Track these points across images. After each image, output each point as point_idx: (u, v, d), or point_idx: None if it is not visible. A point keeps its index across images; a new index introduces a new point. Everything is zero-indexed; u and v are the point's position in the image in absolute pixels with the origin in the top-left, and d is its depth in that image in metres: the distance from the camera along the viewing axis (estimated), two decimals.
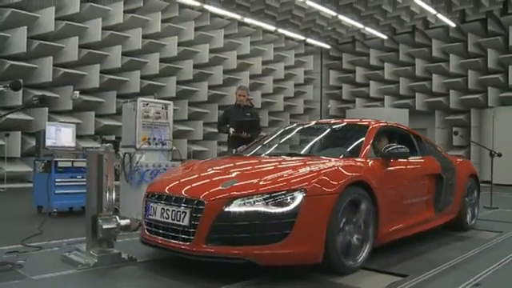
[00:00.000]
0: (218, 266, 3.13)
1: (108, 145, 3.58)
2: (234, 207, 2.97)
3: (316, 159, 3.75)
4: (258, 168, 3.72)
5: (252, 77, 14.17)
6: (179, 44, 12.17)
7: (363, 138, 4.09)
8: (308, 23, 14.20)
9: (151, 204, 3.40)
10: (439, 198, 4.63)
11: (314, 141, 4.62)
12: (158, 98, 6.24)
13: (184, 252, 3.07)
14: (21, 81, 3.66)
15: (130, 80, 11.29)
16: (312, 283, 3.08)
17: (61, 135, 6.24)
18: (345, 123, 4.86)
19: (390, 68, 15.32)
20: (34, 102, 3.75)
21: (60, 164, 5.87)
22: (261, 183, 3.13)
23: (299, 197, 3.00)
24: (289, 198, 2.99)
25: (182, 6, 12.25)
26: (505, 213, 6.88)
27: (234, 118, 6.40)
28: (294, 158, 3.93)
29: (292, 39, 15.46)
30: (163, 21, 11.84)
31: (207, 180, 3.43)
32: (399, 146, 3.91)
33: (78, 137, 7.90)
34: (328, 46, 16.63)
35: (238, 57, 13.77)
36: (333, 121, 4.99)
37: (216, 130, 11.49)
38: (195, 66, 12.65)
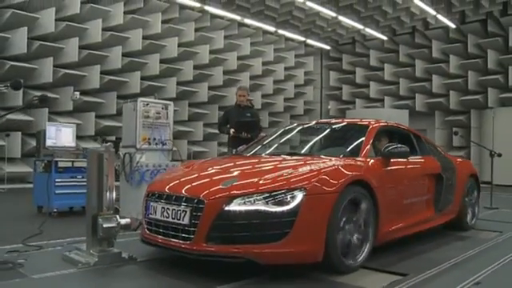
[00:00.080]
0: (218, 264, 3.14)
1: (108, 144, 3.58)
2: (234, 206, 2.97)
3: (316, 158, 3.75)
4: (258, 167, 3.73)
5: (252, 78, 14.18)
6: (179, 45, 12.19)
7: (363, 138, 4.09)
8: (308, 24, 14.22)
9: (151, 203, 3.40)
10: (439, 198, 4.63)
11: (314, 140, 4.62)
12: (159, 99, 6.25)
13: (184, 251, 3.07)
14: (21, 80, 3.65)
15: (131, 81, 11.30)
16: (312, 282, 3.08)
17: (61, 135, 6.25)
18: (345, 123, 4.87)
19: (390, 69, 15.34)
20: (35, 102, 3.75)
21: (60, 164, 5.88)
22: (261, 182, 3.13)
23: (299, 196, 3.00)
24: (289, 196, 2.99)
25: (183, 7, 12.28)
26: (505, 213, 6.88)
27: (234, 118, 6.40)
28: (294, 158, 3.93)
29: (292, 40, 15.48)
30: (163, 22, 11.86)
31: (207, 179, 3.44)
32: (399, 146, 3.91)
33: (78, 137, 7.91)
34: (328, 47, 16.65)
35: (238, 58, 13.78)
36: (333, 120, 4.99)
37: (216, 131, 11.52)
38: (195, 67, 12.66)
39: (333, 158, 3.68)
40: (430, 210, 4.55)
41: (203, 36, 12.76)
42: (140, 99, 5.53)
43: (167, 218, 3.19)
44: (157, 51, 11.78)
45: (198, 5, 11.95)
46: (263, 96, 14.61)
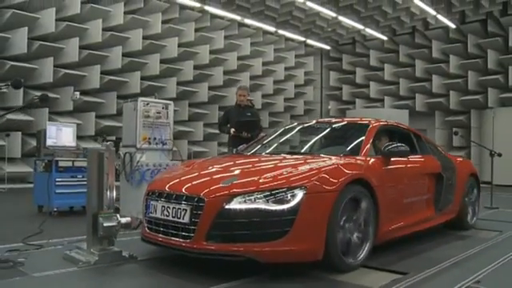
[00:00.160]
0: (218, 263, 3.14)
1: (109, 143, 3.59)
2: (235, 204, 2.98)
3: (316, 157, 3.76)
4: (259, 166, 3.74)
5: (252, 78, 14.19)
6: (179, 45, 12.20)
7: (363, 137, 4.09)
8: (308, 24, 14.23)
9: (152, 202, 3.41)
10: (439, 197, 4.63)
11: (315, 140, 4.62)
12: (159, 99, 6.25)
13: (184, 249, 3.08)
14: (22, 79, 3.66)
15: (131, 81, 11.31)
16: (312, 281, 3.08)
17: (61, 135, 6.26)
18: (345, 122, 4.86)
19: (390, 69, 15.35)
20: (35, 101, 3.76)
21: (61, 163, 5.89)
22: (261, 181, 3.14)
23: (299, 194, 3.00)
24: (289, 195, 3.00)
25: (183, 7, 12.29)
26: (505, 213, 6.88)
27: (235, 117, 6.40)
28: (294, 157, 3.93)
29: (292, 40, 15.49)
30: (163, 22, 11.87)
31: (207, 178, 3.44)
32: (399, 145, 3.92)
33: (79, 137, 7.92)
34: (328, 47, 16.66)
35: (239, 58, 13.79)
36: (333, 120, 4.99)
37: (216, 131, 11.55)
38: (195, 67, 12.67)
39: (333, 157, 3.68)
40: (430, 209, 4.55)
41: (203, 36, 12.77)
42: (140, 99, 5.54)
43: (167, 216, 3.20)
44: (157, 51, 11.79)
45: (198, 5, 11.97)
46: (263, 96, 14.62)
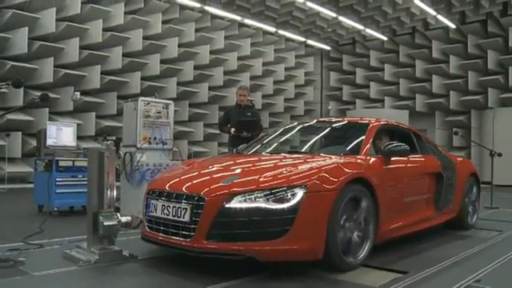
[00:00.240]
0: (218, 262, 3.14)
1: (109, 142, 3.59)
2: (235, 203, 2.98)
3: (316, 157, 3.76)
4: (259, 165, 3.74)
5: (252, 78, 14.20)
6: (180, 45, 12.21)
7: (363, 136, 4.09)
8: (308, 24, 14.24)
9: (152, 201, 3.41)
10: (439, 197, 4.63)
11: (315, 139, 4.62)
12: (159, 99, 6.25)
13: (185, 248, 3.08)
14: (22, 79, 3.66)
15: (131, 81, 11.32)
16: (312, 280, 3.08)
17: (62, 135, 6.26)
18: (345, 122, 4.86)
19: (390, 69, 15.36)
20: (36, 101, 3.76)
21: (61, 163, 5.88)
22: (261, 180, 3.14)
23: (300, 193, 3.00)
24: (289, 194, 3.00)
25: (183, 8, 12.30)
26: (505, 212, 6.88)
27: (235, 117, 6.41)
28: (294, 156, 3.94)
29: (292, 40, 15.50)
30: (164, 22, 11.88)
31: (208, 177, 3.44)
32: (399, 144, 3.91)
33: (79, 138, 7.92)
34: (328, 48, 16.67)
35: (239, 58, 13.80)
36: (333, 119, 4.99)
37: (216, 131, 11.56)
38: (196, 67, 12.68)
39: (333, 156, 3.68)
40: (431, 208, 4.55)
41: (203, 36, 12.78)
42: (141, 98, 5.55)
43: (168, 215, 3.20)
44: (157, 51, 11.81)
45: (198, 5, 11.98)
46: (263, 96, 14.63)
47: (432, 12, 12.50)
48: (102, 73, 10.64)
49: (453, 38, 13.92)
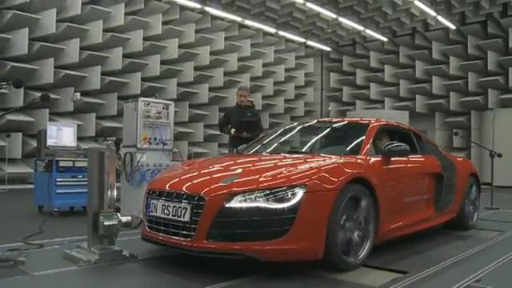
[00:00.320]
0: (218, 262, 3.15)
1: (109, 142, 3.59)
2: (235, 203, 2.98)
3: (316, 157, 3.76)
4: (259, 165, 3.74)
5: (252, 79, 14.21)
6: (180, 46, 12.23)
7: (364, 137, 4.09)
8: (308, 25, 14.26)
9: (152, 201, 3.41)
10: (439, 197, 4.63)
11: (315, 139, 4.62)
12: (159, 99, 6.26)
13: (185, 248, 3.08)
14: (23, 78, 3.66)
15: (131, 82, 11.33)
16: (312, 279, 3.08)
17: (62, 135, 6.26)
18: (345, 122, 4.86)
19: (390, 70, 15.36)
20: (36, 101, 3.77)
21: (61, 163, 5.88)
22: (261, 179, 3.14)
23: (300, 193, 3.00)
24: (289, 194, 3.00)
25: (183, 9, 12.32)
26: (505, 213, 6.88)
27: (235, 118, 6.41)
28: (294, 156, 3.94)
29: (292, 41, 15.52)
30: (164, 23, 11.90)
31: (208, 177, 3.44)
32: (399, 144, 3.91)
33: (79, 138, 7.92)
34: (328, 49, 16.69)
35: (239, 59, 13.82)
36: (333, 119, 5.00)
37: (216, 132, 11.57)
38: (196, 68, 12.70)
39: (333, 156, 3.68)
40: (431, 209, 4.55)
41: (204, 37, 12.79)
42: (141, 99, 5.55)
43: (168, 215, 3.20)
44: (157, 52, 11.82)
45: (198, 6, 12.00)
46: (263, 97, 14.64)
47: (432, 13, 12.51)
48: (102, 73, 10.65)
49: (453, 39, 13.93)
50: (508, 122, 12.54)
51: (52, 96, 9.65)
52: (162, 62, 11.90)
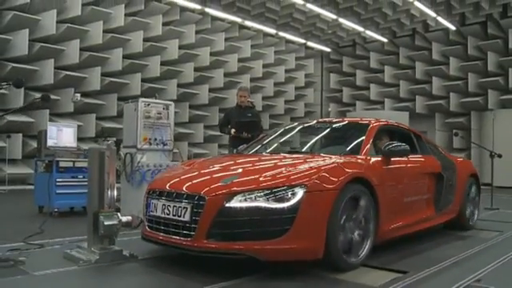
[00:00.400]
0: (218, 261, 3.15)
1: (110, 142, 3.60)
2: (235, 203, 2.98)
3: (316, 157, 3.77)
4: (259, 165, 3.74)
5: (253, 80, 14.21)
6: (180, 47, 12.23)
7: (364, 137, 4.09)
8: (308, 26, 14.26)
9: (152, 200, 3.41)
10: (439, 197, 4.64)
11: (315, 139, 4.63)
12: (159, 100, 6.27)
13: (185, 248, 3.08)
14: (23, 79, 3.67)
15: (131, 83, 11.33)
16: (313, 279, 3.09)
17: (62, 135, 6.26)
18: (345, 122, 4.87)
19: (391, 71, 15.36)
20: (37, 101, 3.77)
21: (61, 164, 5.88)
22: (261, 179, 3.14)
23: (300, 192, 3.01)
24: (289, 193, 3.00)
25: (183, 9, 12.32)
26: (505, 213, 6.88)
27: (235, 118, 6.42)
28: (294, 156, 3.94)
29: (292, 42, 15.52)
30: (164, 24, 11.90)
31: (208, 176, 3.45)
32: (399, 144, 3.92)
33: (79, 139, 7.92)
34: (328, 50, 16.69)
35: (239, 60, 13.82)
36: (333, 120, 5.00)
37: (217, 133, 11.57)
38: (196, 69, 12.71)
39: (333, 156, 3.68)
40: (431, 209, 4.56)
41: (204, 38, 12.79)
42: (141, 99, 5.55)
43: (168, 215, 3.20)
44: (157, 53, 11.83)
45: (198, 7, 12.01)
46: (264, 98, 14.64)
47: (432, 14, 12.52)
48: (102, 74, 10.65)
49: (453, 40, 13.94)
50: (508, 123, 12.54)
51: (52, 97, 9.64)
52: (162, 63, 11.90)
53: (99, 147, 4.04)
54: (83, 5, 10.25)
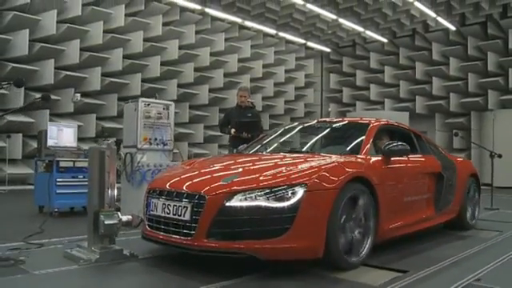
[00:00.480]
0: (219, 260, 3.15)
1: (110, 141, 3.60)
2: (235, 202, 2.98)
3: (316, 156, 3.77)
4: (259, 164, 3.75)
5: (253, 80, 14.21)
6: (180, 47, 12.24)
7: (364, 136, 4.09)
8: (308, 27, 14.27)
9: (152, 200, 3.42)
10: (439, 197, 4.64)
11: (315, 139, 4.64)
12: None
13: (185, 247, 3.08)
14: (23, 78, 3.67)
15: (131, 83, 11.34)
16: (313, 278, 3.09)
17: (62, 135, 6.26)
18: (345, 122, 4.87)
19: (391, 71, 15.37)
20: (37, 100, 3.78)
21: (61, 164, 5.88)
22: (261, 178, 3.15)
23: (300, 192, 3.01)
24: (289, 192, 3.00)
25: (183, 10, 12.33)
26: (505, 214, 6.88)
27: (235, 118, 6.43)
28: (294, 155, 3.94)
29: (292, 43, 15.53)
30: (164, 24, 11.91)
31: (208, 176, 3.45)
32: (399, 143, 3.92)
33: (79, 139, 7.93)
34: (328, 50, 16.70)
35: (239, 60, 13.83)
36: (334, 119, 5.00)
37: (217, 133, 11.59)
38: (196, 69, 12.71)
39: (333, 156, 3.69)
40: (431, 208, 4.56)
41: (204, 38, 12.80)
42: (141, 99, 5.55)
43: (168, 214, 3.20)
44: (157, 53, 11.84)
45: (198, 7, 12.02)
46: (264, 98, 14.64)
47: (432, 14, 12.53)
48: (102, 74, 10.66)
49: (453, 40, 13.95)
50: (508, 123, 12.55)
51: (52, 97, 9.64)
52: (163, 63, 11.91)
53: (99, 147, 4.04)
54: (83, 5, 10.26)
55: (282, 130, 5.04)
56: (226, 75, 13.47)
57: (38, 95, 9.01)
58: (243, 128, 6.29)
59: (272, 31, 14.10)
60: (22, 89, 9.03)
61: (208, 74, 13.06)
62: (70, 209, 6.22)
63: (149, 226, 3.43)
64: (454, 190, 4.90)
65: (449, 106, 13.97)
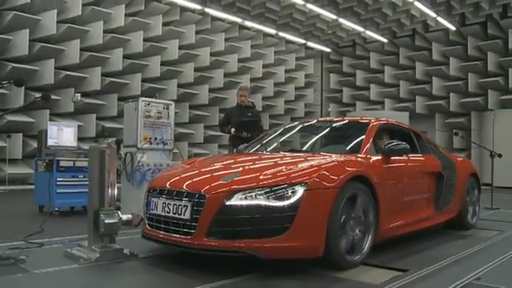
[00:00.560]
0: (219, 259, 3.15)
1: (110, 141, 3.60)
2: (236, 201, 2.98)
3: (317, 155, 3.77)
4: (259, 163, 3.75)
5: (253, 80, 14.21)
6: (180, 47, 12.24)
7: (364, 136, 4.10)
8: (308, 27, 14.27)
9: (153, 199, 3.42)
10: (439, 197, 4.64)
11: (315, 138, 4.64)
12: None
13: (185, 246, 3.08)
14: (24, 78, 3.68)
15: (131, 83, 11.34)
16: (313, 278, 3.09)
17: (63, 135, 6.27)
18: (346, 121, 4.88)
19: (391, 71, 15.37)
20: (37, 100, 3.78)
21: (62, 163, 5.88)
22: (261, 177, 3.15)
23: (300, 190, 3.01)
24: (290, 191, 3.00)
25: (183, 10, 12.33)
26: (505, 213, 6.88)
27: (235, 118, 6.42)
28: (294, 154, 3.95)
29: (292, 43, 15.53)
30: (164, 24, 11.91)
31: (208, 175, 3.45)
32: (399, 143, 3.92)
33: (79, 139, 7.94)
34: (328, 50, 16.70)
35: (239, 60, 13.83)
36: (334, 119, 5.01)
37: (217, 133, 11.59)
38: (196, 69, 12.72)
39: (333, 155, 3.69)
40: (431, 208, 4.56)
41: (204, 38, 12.80)
42: (141, 99, 5.55)
43: (168, 213, 3.21)
44: (158, 53, 11.84)
45: (198, 7, 12.02)
46: (264, 98, 14.65)
47: (432, 14, 12.53)
48: (102, 74, 10.67)
49: (453, 40, 13.95)
50: (508, 123, 12.55)
51: (52, 97, 9.67)
52: (163, 63, 11.91)
53: (100, 146, 4.04)
54: (83, 5, 10.26)
55: (282, 129, 5.04)
56: (226, 75, 13.48)
57: (38, 95, 9.05)
58: (243, 127, 6.29)
59: (272, 31, 14.11)
60: (22, 89, 9.03)
61: (208, 74, 13.06)
62: (70, 208, 6.22)
63: (149, 225, 3.43)
64: (454, 190, 4.90)
65: (449, 105, 13.97)
